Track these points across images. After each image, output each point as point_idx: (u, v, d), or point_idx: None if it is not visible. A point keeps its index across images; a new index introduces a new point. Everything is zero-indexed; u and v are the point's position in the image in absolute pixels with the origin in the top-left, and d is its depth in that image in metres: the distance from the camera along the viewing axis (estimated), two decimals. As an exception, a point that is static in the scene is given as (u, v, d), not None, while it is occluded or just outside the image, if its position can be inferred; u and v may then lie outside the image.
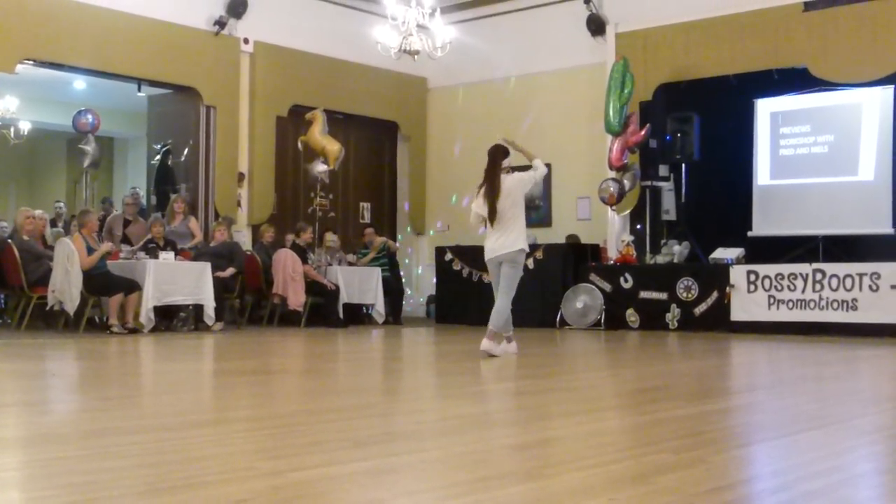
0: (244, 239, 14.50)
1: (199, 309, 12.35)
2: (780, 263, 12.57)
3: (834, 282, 12.05)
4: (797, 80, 13.45)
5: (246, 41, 14.86)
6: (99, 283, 11.55)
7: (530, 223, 15.77)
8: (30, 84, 16.30)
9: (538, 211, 16.09)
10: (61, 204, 17.83)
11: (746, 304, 12.59)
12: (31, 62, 13.08)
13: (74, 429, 4.54)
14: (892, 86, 12.94)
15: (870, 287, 11.82)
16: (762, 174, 14.09)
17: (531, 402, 5.80)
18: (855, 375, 7.85)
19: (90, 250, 11.50)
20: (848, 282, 11.96)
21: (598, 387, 6.84)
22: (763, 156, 14.10)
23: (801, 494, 3.10)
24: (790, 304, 12.32)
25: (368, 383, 7.03)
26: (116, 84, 14.81)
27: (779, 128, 14.01)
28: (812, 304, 12.18)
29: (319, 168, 14.71)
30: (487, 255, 8.73)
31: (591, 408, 5.50)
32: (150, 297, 11.74)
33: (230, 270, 12.88)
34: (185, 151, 14.68)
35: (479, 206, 8.68)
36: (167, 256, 12.20)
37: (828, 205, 13.37)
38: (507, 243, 8.59)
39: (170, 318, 12.40)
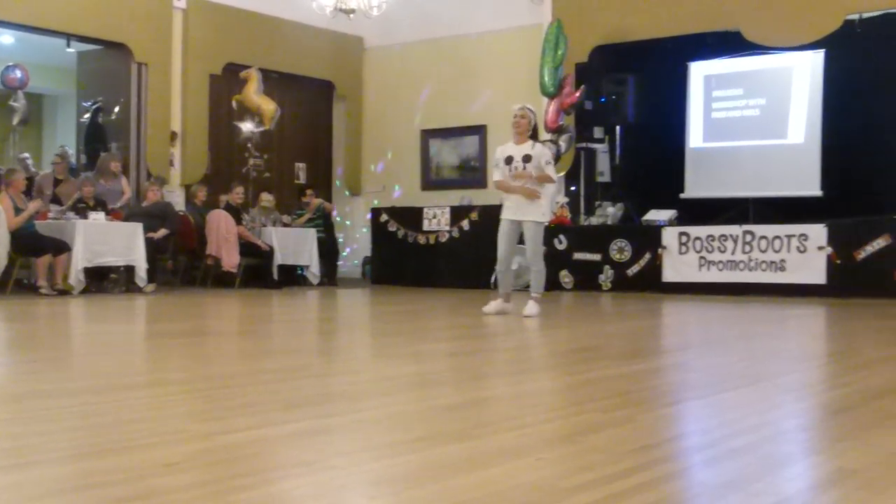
0: (177, 199, 14.33)
1: (130, 270, 12.20)
2: (711, 225, 12.75)
3: (763, 243, 12.26)
4: (730, 43, 13.58)
5: (179, -3, 14.63)
6: (27, 243, 11.34)
7: (465, 184, 15.97)
8: (-46, 39, 15.89)
9: (474, 173, 16.11)
10: (-11, 162, 17.45)
11: (678, 265, 12.77)
12: (-45, 16, 12.75)
13: (1, 392, 4.48)
14: (823, 50, 13.13)
15: (798, 248, 12.04)
16: (695, 137, 14.24)
17: (465, 363, 5.84)
18: (782, 334, 8.01)
19: (17, 210, 11.28)
20: (777, 243, 12.17)
21: (531, 348, 6.89)
22: (696, 119, 14.25)
23: (726, 451, 3.17)
24: (720, 266, 12.52)
25: (303, 345, 7.02)
26: (45, 39, 14.47)
27: (711, 91, 14.16)
28: (742, 265, 12.39)
29: (248, 127, 14.59)
30: None
31: (524, 368, 5.56)
32: (80, 259, 11.56)
33: (163, 231, 12.74)
34: (116, 109, 14.43)
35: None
36: (97, 217, 12.01)
37: (758, 167, 13.57)
38: None
39: (100, 279, 12.23)
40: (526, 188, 8.76)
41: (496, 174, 9.04)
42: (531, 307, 8.86)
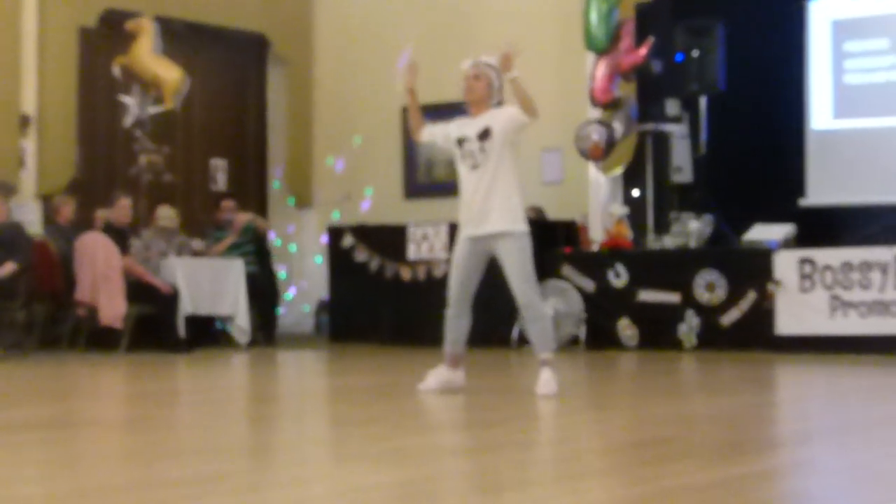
0: (31, 217, 14.32)
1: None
2: (849, 248, 12.73)
3: (928, 274, 12.27)
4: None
5: (30, -88, 14.71)
6: None
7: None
8: None
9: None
10: None
11: (798, 310, 12.72)
12: None
13: None
14: None
15: (981, 282, 12.06)
16: (820, 113, 14.26)
17: (473, 465, 5.82)
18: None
19: None
20: (949, 274, 12.20)
21: (574, 440, 6.88)
22: (821, 85, 14.28)
23: None
24: (863, 309, 12.49)
25: (224, 440, 7.01)
26: None
27: (842, 43, 14.19)
28: (895, 309, 12.38)
29: (138, 105, 14.58)
30: None
31: (563, 474, 5.55)
32: None
33: (9, 266, 12.72)
34: (-63, 84, 14.48)
35: None
36: (-90, 246, 12.04)
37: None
38: None
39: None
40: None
41: (433, 130, 9.07)
42: (546, 381, 8.65)
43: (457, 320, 8.88)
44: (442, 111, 16.08)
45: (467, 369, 9.01)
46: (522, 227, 8.70)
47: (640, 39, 14.13)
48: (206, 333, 14.62)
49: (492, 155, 8.63)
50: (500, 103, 8.86)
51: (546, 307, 9.06)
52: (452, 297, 8.88)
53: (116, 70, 14.69)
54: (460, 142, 8.74)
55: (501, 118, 8.68)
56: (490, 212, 8.62)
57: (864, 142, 14.00)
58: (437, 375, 8.92)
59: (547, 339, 8.80)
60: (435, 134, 9.04)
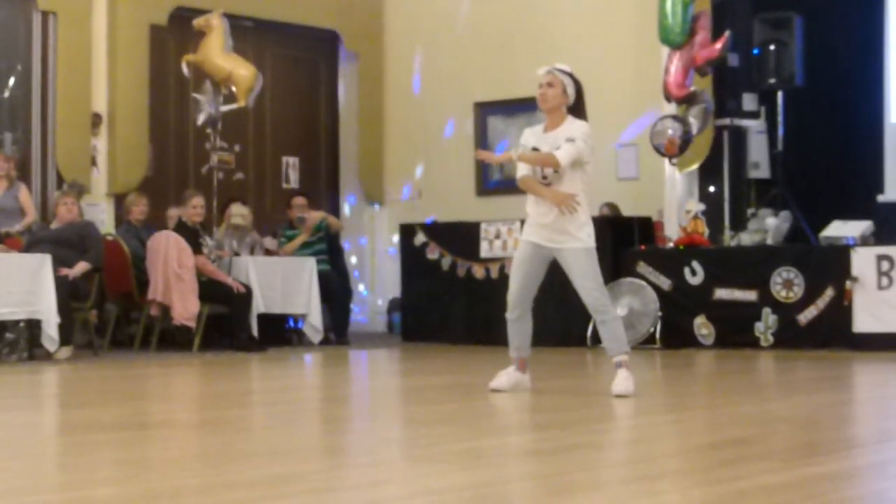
0: (102, 217, 14.41)
1: (34, 327, 12.28)
2: (930, 243, 12.65)
3: None
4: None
5: (102, -89, 14.81)
6: None
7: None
8: None
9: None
10: None
11: (877, 308, 12.63)
12: None
13: None
14: None
15: None
16: (899, 107, 14.17)
17: (547, 466, 5.83)
18: None
19: None
20: None
21: (649, 441, 6.88)
22: (901, 78, 14.17)
23: None
24: (945, 307, 12.42)
25: (297, 440, 7.04)
26: None
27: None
28: (980, 306, 12.28)
29: (211, 103, 14.62)
30: None
31: (639, 475, 5.54)
32: (-42, 310, 11.71)
33: (82, 266, 12.80)
34: (10, 82, 14.58)
35: None
36: (-17, 246, 12.16)
37: None
38: None
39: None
40: (559, 195, 8.62)
41: (520, 167, 8.86)
42: (622, 381, 8.62)
43: (518, 323, 8.83)
44: (514, 107, 16.25)
45: (543, 368, 9.03)
46: (589, 240, 8.64)
47: (716, 33, 14.07)
48: (279, 332, 14.69)
49: (564, 176, 8.60)
50: (575, 111, 8.79)
51: (616, 308, 8.93)
52: (512, 299, 8.84)
53: (185, 68, 14.75)
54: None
55: (578, 136, 8.61)
56: (561, 231, 8.59)
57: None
58: (508, 375, 8.91)
59: (619, 341, 8.73)
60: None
